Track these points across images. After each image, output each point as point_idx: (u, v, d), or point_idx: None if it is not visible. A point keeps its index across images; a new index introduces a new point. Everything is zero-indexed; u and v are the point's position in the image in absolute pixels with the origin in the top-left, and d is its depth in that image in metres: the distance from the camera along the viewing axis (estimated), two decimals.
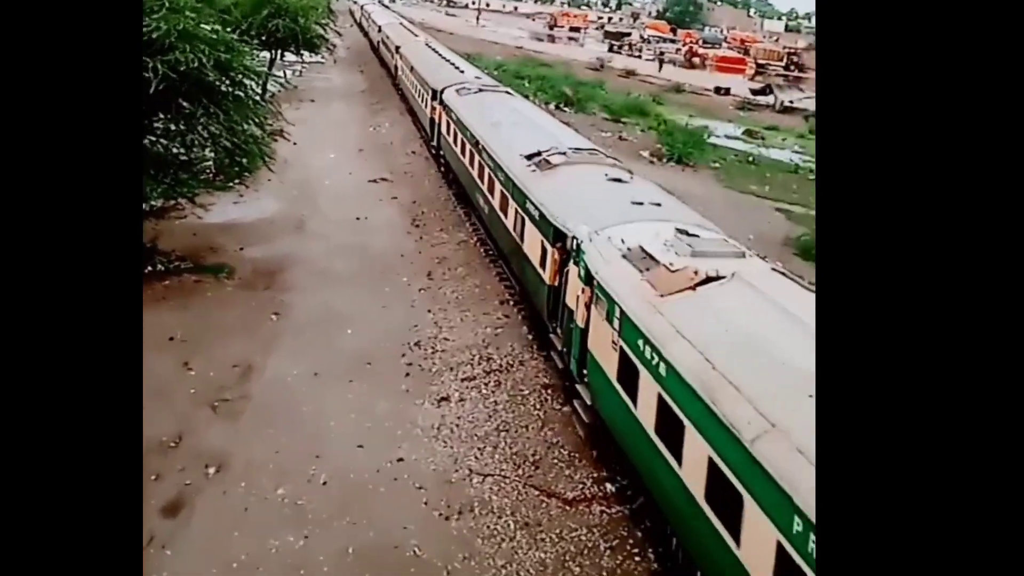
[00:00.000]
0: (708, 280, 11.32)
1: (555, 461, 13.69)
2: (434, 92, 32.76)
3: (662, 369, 10.51)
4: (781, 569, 7.80)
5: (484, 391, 15.74)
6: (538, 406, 15.33)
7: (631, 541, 11.89)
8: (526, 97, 39.11)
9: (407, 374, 16.24)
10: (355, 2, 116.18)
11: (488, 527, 11.95)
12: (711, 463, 9.18)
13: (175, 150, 19.53)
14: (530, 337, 18.13)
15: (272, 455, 13.20)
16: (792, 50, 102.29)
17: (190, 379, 15.32)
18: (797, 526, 7.46)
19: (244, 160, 20.57)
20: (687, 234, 13.06)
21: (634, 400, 11.46)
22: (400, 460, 13.36)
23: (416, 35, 57.00)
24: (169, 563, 10.71)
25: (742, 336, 9.91)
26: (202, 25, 18.77)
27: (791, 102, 70.18)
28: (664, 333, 10.66)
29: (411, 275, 21.68)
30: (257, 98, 21.94)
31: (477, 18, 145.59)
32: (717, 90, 75.59)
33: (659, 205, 15.44)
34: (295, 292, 19.93)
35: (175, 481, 12.39)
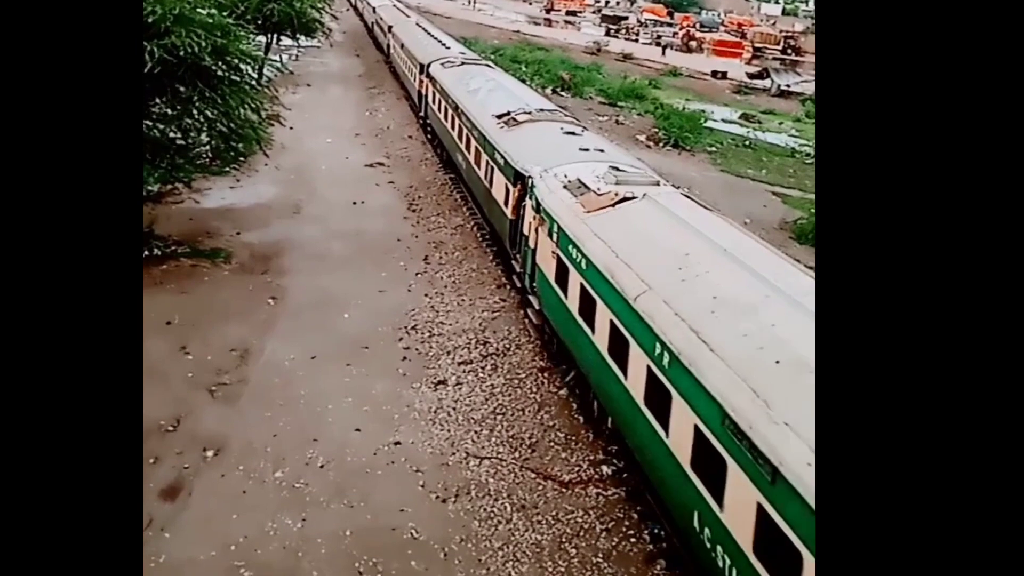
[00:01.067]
0: (624, 200, 14.37)
1: (551, 444, 13.77)
2: (421, 66, 35.60)
3: (583, 264, 13.63)
4: (651, 386, 10.91)
5: (481, 374, 15.80)
6: (534, 389, 15.40)
7: (627, 523, 11.98)
8: (522, 80, 39.13)
9: (404, 358, 16.29)
10: None
11: (485, 509, 12.03)
12: (612, 324, 12.33)
13: (171, 135, 19.48)
14: (526, 321, 18.19)
15: (270, 438, 13.27)
16: (789, 34, 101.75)
17: (188, 363, 15.36)
18: (661, 355, 10.52)
19: (240, 145, 20.51)
20: (617, 169, 16.22)
21: (565, 292, 14.63)
22: (397, 443, 13.44)
23: (408, 16, 59.95)
24: (167, 546, 10.78)
25: (640, 235, 13.14)
26: (198, 9, 18.68)
27: (788, 86, 69.99)
28: (586, 236, 13.73)
29: (408, 259, 21.71)
30: (254, 83, 21.88)
31: (473, 2, 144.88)
32: (714, 74, 75.29)
33: (602, 151, 18.65)
34: (292, 276, 19.96)
35: (173, 464, 12.46)
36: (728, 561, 8.90)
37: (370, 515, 11.76)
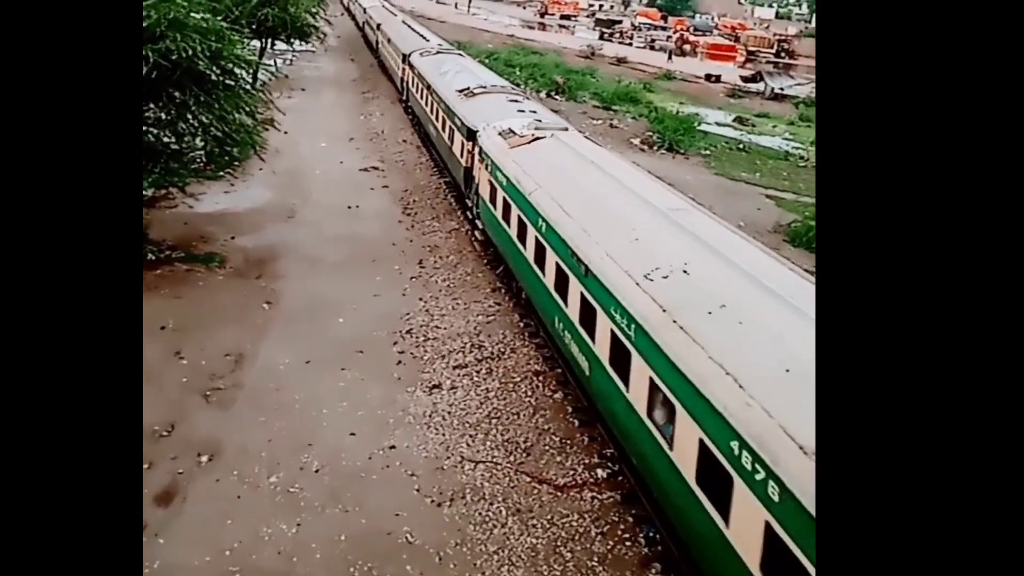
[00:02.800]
0: (536, 139, 19.50)
1: (546, 447, 13.78)
2: (404, 56, 40.64)
3: (504, 182, 18.75)
4: (538, 251, 15.92)
5: (476, 379, 15.81)
6: (529, 393, 15.41)
7: (622, 526, 11.99)
8: (517, 85, 39.45)
9: (399, 362, 16.29)
10: None
11: (480, 513, 12.04)
12: (519, 218, 17.43)
13: (166, 139, 19.47)
14: (521, 325, 18.21)
15: (264, 443, 13.26)
16: (782, 37, 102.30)
17: (182, 368, 15.35)
18: (542, 227, 15.52)
19: (235, 149, 20.52)
20: (539, 121, 21.51)
21: (494, 205, 19.85)
22: (392, 447, 13.43)
23: (395, 15, 65.55)
24: (162, 551, 10.76)
25: (542, 159, 18.24)
26: (193, 14, 18.69)
27: (781, 89, 70.11)
28: (507, 163, 18.85)
29: (402, 263, 21.71)
30: (248, 87, 21.86)
31: (468, 5, 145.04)
32: (708, 77, 75.44)
33: (534, 112, 24.08)
34: (286, 280, 19.95)
35: (168, 469, 12.44)
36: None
37: (365, 520, 11.75)
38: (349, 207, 26.25)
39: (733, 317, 9.92)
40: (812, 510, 7.15)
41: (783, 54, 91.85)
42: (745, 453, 8.26)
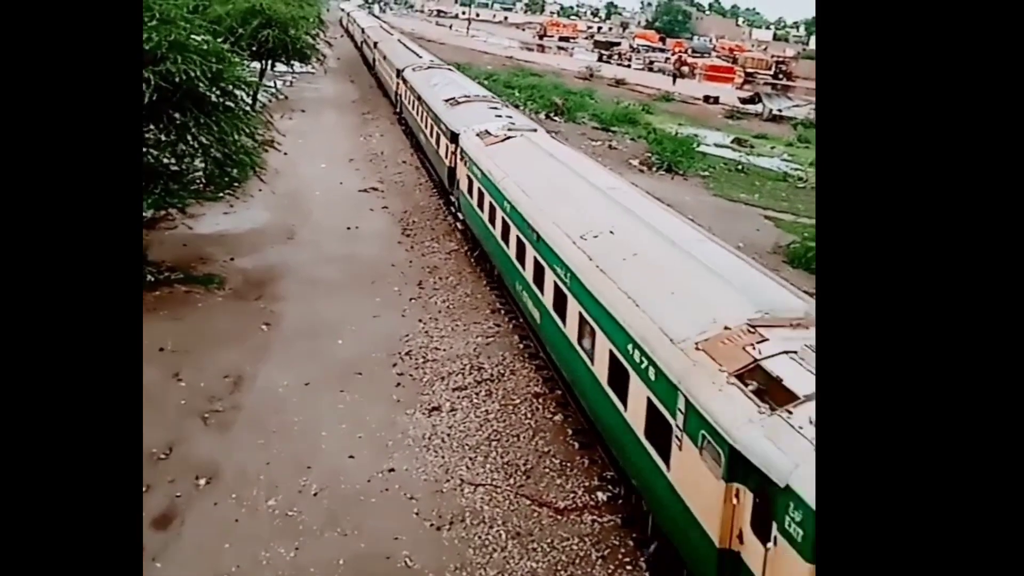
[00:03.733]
0: (508, 138, 22.74)
1: (546, 470, 13.71)
2: (398, 71, 44.73)
3: (480, 175, 21.60)
4: (504, 229, 18.78)
5: (475, 400, 15.75)
6: (529, 415, 15.35)
7: (623, 550, 11.90)
8: (516, 106, 39.95)
9: (398, 384, 16.24)
10: (344, 10, 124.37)
11: (480, 537, 11.95)
12: (490, 204, 20.29)
13: (166, 160, 19.49)
14: (521, 346, 18.17)
15: (263, 466, 13.19)
16: (780, 59, 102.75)
17: (180, 390, 15.29)
18: (508, 209, 18.34)
19: (235, 170, 20.55)
20: (512, 123, 25.10)
21: (471, 195, 22.81)
22: (391, 470, 13.36)
23: (391, 34, 71.46)
24: None
25: (512, 154, 21.27)
26: (193, 36, 18.78)
27: (779, 110, 70.39)
28: (483, 158, 21.88)
29: (402, 285, 21.70)
30: (248, 108, 21.91)
31: (467, 28, 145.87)
32: (706, 99, 75.82)
33: (510, 117, 27.39)
34: (286, 302, 19.93)
35: (165, 493, 12.35)
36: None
37: (364, 543, 11.67)
38: (348, 228, 26.27)
39: (640, 261, 12.95)
40: (675, 381, 9.82)
41: (781, 75, 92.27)
42: (636, 351, 11.09)
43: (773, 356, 9.13)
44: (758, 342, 9.48)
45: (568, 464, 13.91)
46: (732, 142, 54.01)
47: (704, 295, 11.19)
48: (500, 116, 26.75)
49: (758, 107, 72.13)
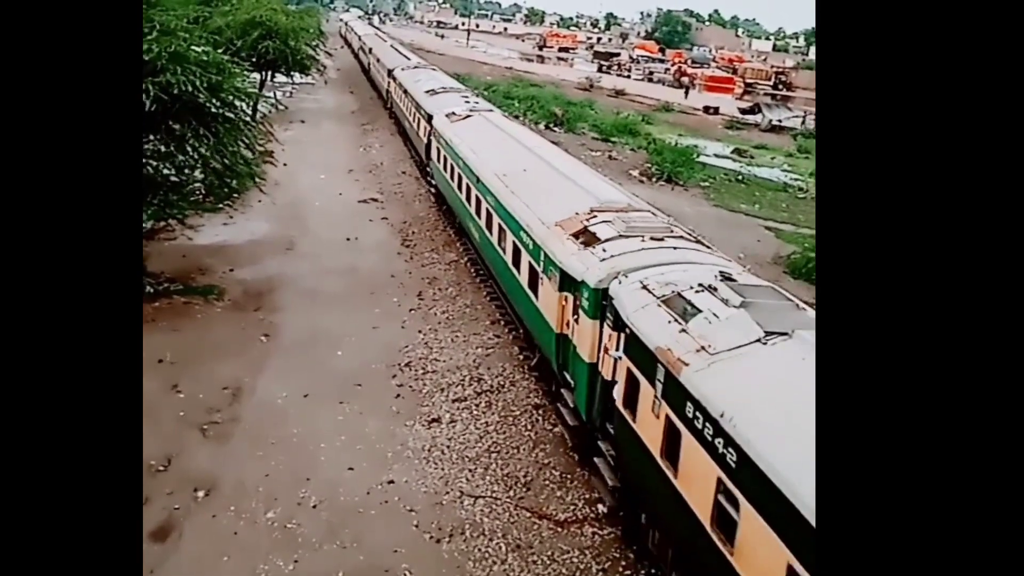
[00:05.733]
0: (468, 116, 28.17)
1: (546, 482, 13.65)
2: (389, 71, 51.14)
3: (447, 145, 26.50)
4: (458, 182, 24.66)
5: (475, 412, 15.70)
6: (529, 427, 15.29)
7: (623, 563, 11.84)
8: (515, 117, 40.25)
9: (398, 395, 16.19)
10: (342, 21, 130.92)
11: (479, 549, 11.89)
12: (452, 167, 25.48)
13: (165, 171, 19.49)
14: (521, 357, 18.13)
15: (262, 478, 13.13)
16: (780, 69, 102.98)
17: (179, 401, 15.24)
18: (467, 169, 23.08)
19: (234, 181, 20.54)
20: (476, 105, 31.10)
21: (440, 163, 28.18)
22: (391, 482, 13.30)
23: (384, 40, 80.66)
24: None
25: (470, 128, 26.36)
26: (193, 47, 18.78)
27: (779, 121, 70.50)
28: (449, 133, 26.94)
29: (401, 295, 21.67)
30: (248, 119, 21.91)
31: (467, 38, 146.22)
32: (706, 109, 75.93)
33: (478, 102, 33.23)
34: (285, 313, 19.88)
35: (164, 505, 12.29)
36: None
37: (363, 556, 11.61)
38: (348, 239, 26.26)
39: (536, 185, 18.75)
40: (540, 244, 15.34)
41: (780, 86, 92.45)
42: (524, 234, 16.73)
43: (596, 223, 14.83)
44: (591, 218, 15.17)
45: (568, 476, 13.85)
46: (732, 152, 54.07)
47: (570, 198, 16.86)
48: (468, 102, 32.85)
49: (758, 117, 72.19)
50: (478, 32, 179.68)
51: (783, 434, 8.10)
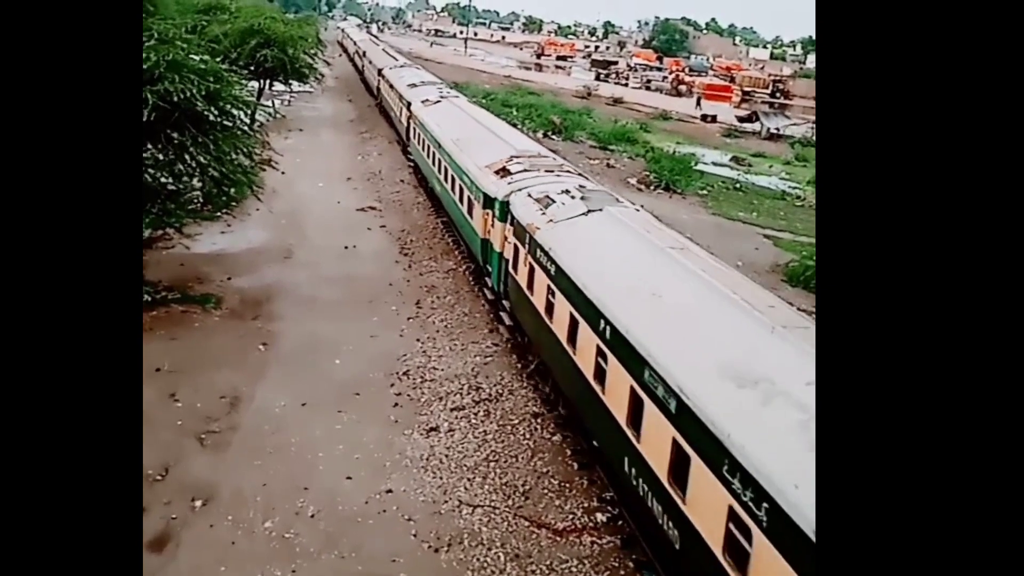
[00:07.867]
0: (439, 102, 35.36)
1: (545, 491, 13.62)
2: (379, 70, 57.85)
3: (422, 126, 32.61)
4: (434, 161, 29.75)
5: (473, 421, 15.67)
6: (528, 435, 15.27)
7: (622, 572, 11.81)
8: (514, 125, 40.23)
9: (396, 404, 16.16)
10: (340, 28, 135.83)
11: (478, 559, 11.85)
12: (428, 147, 30.82)
13: (163, 180, 19.46)
14: (519, 366, 18.10)
15: (260, 487, 13.09)
16: (777, 77, 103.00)
17: (177, 410, 15.19)
18: (441, 148, 28.01)
19: (232, 190, 20.52)
20: (447, 93, 39.46)
21: (417, 139, 34.50)
22: (389, 491, 13.27)
23: (377, 44, 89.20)
24: None
25: (439, 111, 33.08)
26: (191, 56, 18.77)
27: (777, 129, 70.58)
28: (423, 115, 33.15)
29: (400, 304, 21.65)
30: (246, 128, 21.90)
31: (465, 47, 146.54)
32: (704, 117, 76.04)
33: (451, 91, 40.47)
34: (283, 322, 19.85)
35: (161, 514, 12.24)
36: None
37: (361, 566, 11.57)
38: (346, 247, 26.26)
39: (477, 146, 24.60)
40: (475, 180, 21.93)
41: (778, 94, 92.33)
42: (465, 177, 23.18)
43: (511, 164, 21.43)
44: (508, 161, 21.70)
45: (567, 485, 13.82)
46: (730, 160, 54.16)
47: (498, 150, 23.37)
48: (441, 90, 40.78)
49: (755, 126, 72.28)
50: (476, 40, 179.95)
51: (584, 255, 14.75)
